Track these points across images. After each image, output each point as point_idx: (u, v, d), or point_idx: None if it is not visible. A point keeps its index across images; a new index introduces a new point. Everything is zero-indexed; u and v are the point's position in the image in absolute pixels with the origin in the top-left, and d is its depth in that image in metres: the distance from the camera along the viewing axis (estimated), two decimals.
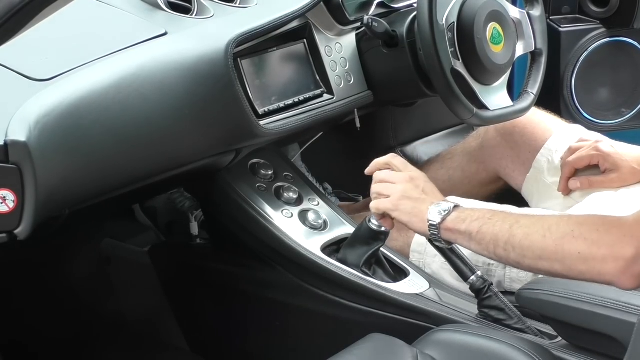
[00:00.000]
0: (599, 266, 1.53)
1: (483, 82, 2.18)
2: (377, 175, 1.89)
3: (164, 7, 1.96)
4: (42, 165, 1.52)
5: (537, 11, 2.31)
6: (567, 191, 2.21)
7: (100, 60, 1.75)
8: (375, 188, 1.88)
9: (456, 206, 1.76)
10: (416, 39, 2.16)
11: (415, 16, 2.17)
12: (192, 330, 2.41)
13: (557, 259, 1.58)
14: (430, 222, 1.76)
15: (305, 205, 2.15)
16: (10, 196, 1.49)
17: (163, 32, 1.90)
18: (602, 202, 2.12)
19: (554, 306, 1.73)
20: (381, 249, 2.05)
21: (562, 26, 2.98)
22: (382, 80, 2.29)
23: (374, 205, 1.88)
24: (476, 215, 1.71)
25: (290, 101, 2.10)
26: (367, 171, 1.92)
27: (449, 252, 1.88)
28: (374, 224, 1.94)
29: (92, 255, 2.58)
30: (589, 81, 3.00)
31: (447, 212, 1.74)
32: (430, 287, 2.00)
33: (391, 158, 1.91)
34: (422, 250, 2.10)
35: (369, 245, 1.97)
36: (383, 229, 1.93)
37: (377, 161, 1.92)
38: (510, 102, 2.23)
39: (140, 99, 1.76)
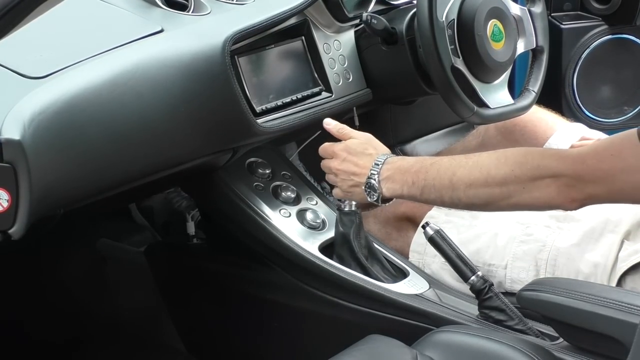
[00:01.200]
0: (542, 193, 1.65)
1: (483, 80, 2.18)
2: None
3: (160, 3, 1.96)
4: (37, 164, 1.52)
5: (538, 8, 2.31)
6: None
7: (95, 58, 1.75)
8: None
9: (380, 174, 1.84)
10: (416, 36, 2.16)
11: (414, 13, 2.16)
12: (189, 331, 2.41)
13: (502, 198, 1.70)
14: (374, 203, 1.87)
15: (303, 204, 2.14)
16: (4, 195, 1.49)
17: (159, 29, 1.89)
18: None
19: (555, 307, 1.73)
20: (380, 248, 2.05)
21: (563, 23, 2.99)
22: (381, 78, 2.29)
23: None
24: (410, 179, 1.80)
25: (288, 99, 2.10)
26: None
27: (449, 252, 1.88)
28: (344, 205, 2.00)
29: (88, 255, 2.58)
30: (591, 79, 3.00)
31: (377, 191, 1.85)
32: (430, 287, 2.00)
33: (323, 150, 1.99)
34: (421, 251, 2.10)
35: (347, 233, 1.99)
36: (354, 209, 1.99)
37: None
38: (511, 100, 2.23)
39: (135, 96, 1.76)
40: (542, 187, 1.65)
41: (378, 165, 1.86)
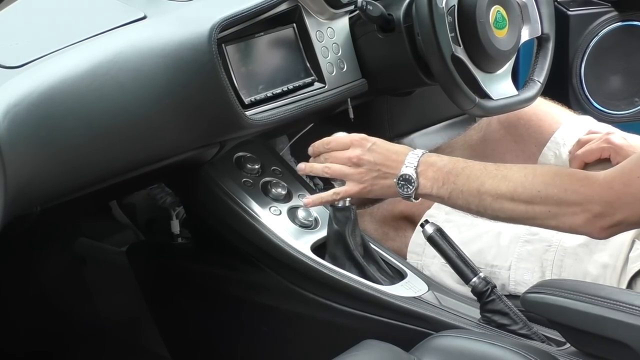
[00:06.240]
0: (569, 221, 1.68)
1: (486, 70, 2.18)
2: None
3: None
4: (12, 159, 1.52)
5: None
6: None
7: (75, 46, 1.75)
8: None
9: (418, 166, 1.83)
10: (414, 23, 2.16)
11: None
12: (173, 336, 2.41)
13: (528, 217, 1.73)
14: (406, 196, 1.85)
15: (294, 201, 2.15)
16: None
17: (142, 15, 1.90)
18: None
19: (562, 310, 1.73)
20: (377, 249, 2.06)
21: (570, 9, 2.99)
22: (377, 68, 2.29)
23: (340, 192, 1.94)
24: (441, 179, 1.81)
25: (278, 90, 2.10)
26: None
27: (449, 252, 1.88)
28: (338, 203, 1.99)
29: (66, 256, 2.58)
30: (599, 68, 3.01)
31: (413, 185, 1.83)
32: (429, 289, 2.00)
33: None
34: (420, 251, 2.10)
35: (342, 230, 1.99)
36: (347, 204, 1.98)
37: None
38: (514, 91, 2.24)
39: (117, 87, 1.76)
40: (568, 215, 1.67)
41: (415, 156, 1.85)
